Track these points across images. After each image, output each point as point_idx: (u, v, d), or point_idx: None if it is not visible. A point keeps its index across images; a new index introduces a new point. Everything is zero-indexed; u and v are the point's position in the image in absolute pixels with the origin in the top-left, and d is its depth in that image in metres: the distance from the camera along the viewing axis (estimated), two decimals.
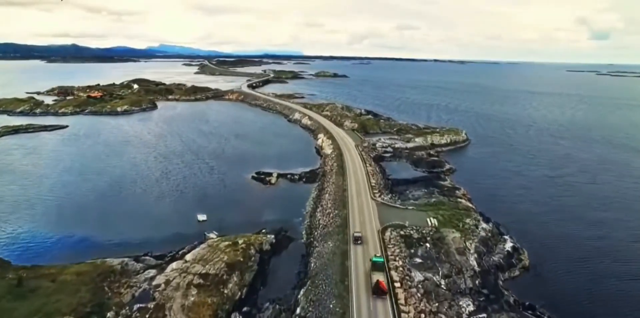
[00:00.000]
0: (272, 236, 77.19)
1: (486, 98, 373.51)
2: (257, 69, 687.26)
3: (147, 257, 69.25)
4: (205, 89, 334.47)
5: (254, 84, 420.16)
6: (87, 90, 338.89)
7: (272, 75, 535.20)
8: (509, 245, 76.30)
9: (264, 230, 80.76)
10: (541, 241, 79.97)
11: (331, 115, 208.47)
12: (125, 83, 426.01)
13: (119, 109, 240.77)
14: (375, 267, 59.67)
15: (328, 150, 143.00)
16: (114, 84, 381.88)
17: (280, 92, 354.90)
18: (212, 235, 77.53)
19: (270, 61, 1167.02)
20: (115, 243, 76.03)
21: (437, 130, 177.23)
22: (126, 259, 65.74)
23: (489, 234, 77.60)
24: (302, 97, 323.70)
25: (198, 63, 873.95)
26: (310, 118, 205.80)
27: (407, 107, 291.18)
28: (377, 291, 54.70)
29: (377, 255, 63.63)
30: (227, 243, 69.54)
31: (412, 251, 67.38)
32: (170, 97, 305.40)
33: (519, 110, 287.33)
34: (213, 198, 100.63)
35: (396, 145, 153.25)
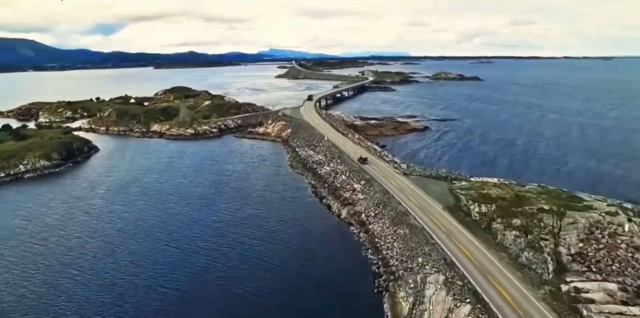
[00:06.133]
0: None
1: None
2: (354, 71, 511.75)
3: None
4: (240, 108, 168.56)
5: (337, 95, 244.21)
6: (59, 110, 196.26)
7: (371, 78, 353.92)
8: None
9: None
10: None
11: None
12: (159, 93, 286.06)
13: None
14: None
15: None
16: (123, 96, 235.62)
17: (376, 112, 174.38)
18: None
19: (376, 62, 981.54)
20: None
21: None
22: None
23: None
24: (425, 130, 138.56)
25: (291, 65, 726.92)
26: None
27: None
28: None
29: None
30: None
31: None
32: (154, 128, 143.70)
33: None
34: None
35: None
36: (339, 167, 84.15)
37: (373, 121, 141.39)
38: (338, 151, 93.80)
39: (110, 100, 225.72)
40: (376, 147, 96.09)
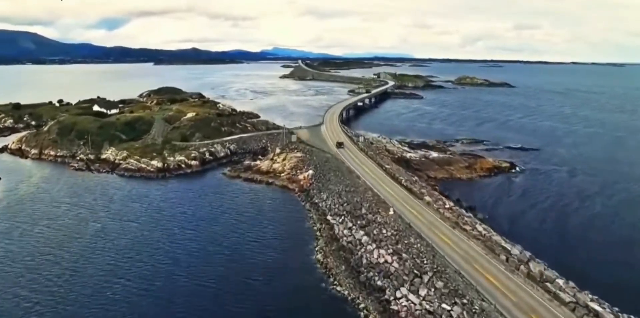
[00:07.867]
0: None
1: None
2: (365, 72, 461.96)
3: None
4: (235, 125, 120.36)
5: (359, 103, 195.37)
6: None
7: (391, 82, 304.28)
8: None
9: None
10: None
11: None
12: (144, 94, 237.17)
13: None
14: None
15: None
16: (95, 99, 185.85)
17: (415, 130, 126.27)
18: None
19: (382, 63, 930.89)
20: None
21: None
22: None
23: None
24: (512, 171, 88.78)
25: (296, 65, 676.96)
26: None
27: None
28: None
29: None
30: None
31: None
32: (106, 155, 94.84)
33: None
34: None
35: None
36: (440, 301, 35.44)
37: (434, 154, 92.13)
38: (423, 245, 45.06)
39: (77, 103, 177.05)
40: (509, 246, 43.03)
